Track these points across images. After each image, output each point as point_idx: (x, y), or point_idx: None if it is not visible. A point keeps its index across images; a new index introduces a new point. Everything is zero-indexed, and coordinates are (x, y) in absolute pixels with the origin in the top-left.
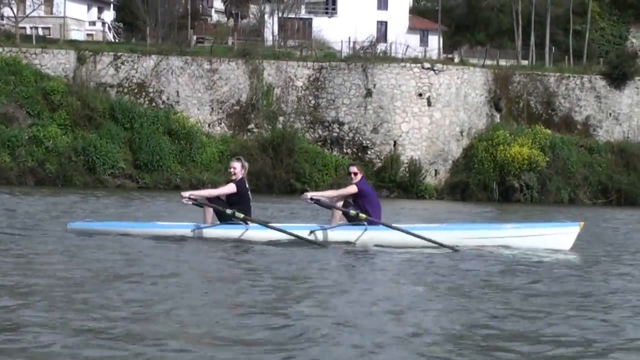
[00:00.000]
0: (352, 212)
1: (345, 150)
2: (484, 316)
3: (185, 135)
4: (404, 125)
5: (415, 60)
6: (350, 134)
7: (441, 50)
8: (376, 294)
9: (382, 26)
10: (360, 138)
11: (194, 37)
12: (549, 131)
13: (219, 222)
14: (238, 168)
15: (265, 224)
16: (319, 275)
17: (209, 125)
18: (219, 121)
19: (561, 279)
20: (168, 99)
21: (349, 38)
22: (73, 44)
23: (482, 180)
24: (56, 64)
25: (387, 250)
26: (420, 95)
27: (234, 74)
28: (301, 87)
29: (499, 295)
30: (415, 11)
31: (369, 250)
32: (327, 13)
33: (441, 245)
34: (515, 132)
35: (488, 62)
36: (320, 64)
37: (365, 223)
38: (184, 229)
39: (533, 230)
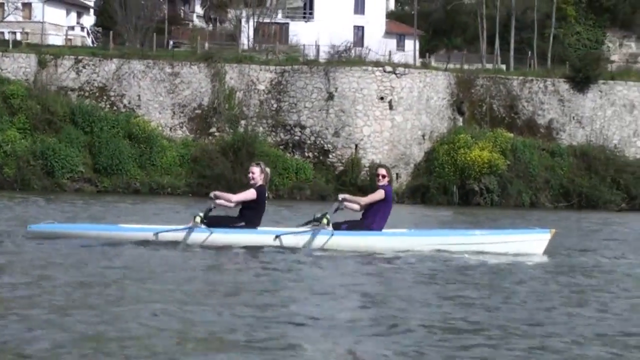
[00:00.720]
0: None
1: (306, 154)
2: (437, 325)
3: (146, 139)
4: (365, 129)
5: (377, 63)
6: (312, 138)
7: (417, 54)
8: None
9: (359, 31)
10: (322, 142)
11: (171, 42)
12: (510, 134)
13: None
14: (257, 173)
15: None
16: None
17: (170, 129)
18: (181, 125)
19: (528, 286)
20: (129, 103)
21: (315, 42)
22: (34, 47)
23: (443, 184)
24: (17, 67)
25: (354, 256)
26: (381, 98)
27: (196, 78)
28: (263, 90)
29: (458, 302)
30: (392, 16)
31: (332, 255)
32: (304, 17)
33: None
34: (476, 135)
35: (459, 66)
36: (283, 67)
37: (331, 229)
38: (145, 232)
39: (503, 237)
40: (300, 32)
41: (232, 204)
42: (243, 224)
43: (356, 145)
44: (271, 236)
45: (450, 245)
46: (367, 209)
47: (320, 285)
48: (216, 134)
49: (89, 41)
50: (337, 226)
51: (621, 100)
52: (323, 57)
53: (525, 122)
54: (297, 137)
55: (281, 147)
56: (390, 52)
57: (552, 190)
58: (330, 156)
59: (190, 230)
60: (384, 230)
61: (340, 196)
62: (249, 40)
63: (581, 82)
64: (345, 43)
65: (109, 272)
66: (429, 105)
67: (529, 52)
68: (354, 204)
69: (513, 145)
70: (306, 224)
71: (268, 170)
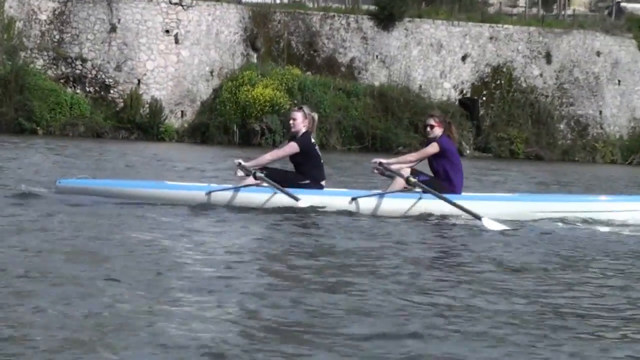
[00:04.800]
0: (411, 179)
1: (87, 89)
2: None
3: None
4: (149, 64)
5: None
6: (93, 72)
7: None
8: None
9: None
10: (103, 76)
11: None
12: (298, 72)
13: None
14: (299, 119)
15: (291, 195)
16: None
17: None
18: None
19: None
20: None
21: None
22: None
23: (224, 123)
24: None
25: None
26: (167, 32)
27: None
28: (45, 20)
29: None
30: None
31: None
32: None
33: (471, 214)
34: (266, 73)
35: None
36: None
37: (420, 191)
38: (197, 190)
39: (634, 204)
40: None
41: (267, 163)
42: (308, 181)
43: (139, 81)
44: (347, 198)
45: (568, 213)
46: (434, 168)
47: None
48: None
49: None
50: (415, 173)
51: (428, 40)
52: None
53: (325, 61)
54: (78, 71)
55: (62, 81)
56: None
57: (345, 132)
58: (112, 91)
59: (253, 189)
60: (485, 194)
61: (377, 160)
62: None
63: (385, 19)
64: None
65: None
66: (219, 40)
67: None
68: (399, 164)
69: (302, 83)
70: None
71: (315, 115)
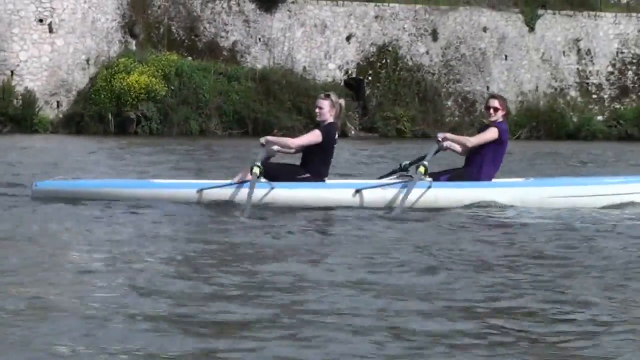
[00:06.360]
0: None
1: None
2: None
3: None
4: (22, 54)
5: None
6: None
7: None
8: None
9: None
10: None
11: None
12: (175, 57)
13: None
14: (326, 107)
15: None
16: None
17: None
18: None
19: None
20: None
21: None
22: None
23: (99, 112)
24: None
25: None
26: (41, 21)
27: None
28: None
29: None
30: None
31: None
32: None
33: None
34: (142, 59)
35: None
36: None
37: (430, 180)
38: (185, 188)
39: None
40: None
41: (291, 151)
42: (308, 175)
43: (12, 72)
44: (350, 190)
45: (583, 198)
46: (473, 152)
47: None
48: None
49: None
50: (434, 177)
51: (312, 21)
52: None
53: (207, 45)
54: None
55: None
56: None
57: (225, 117)
58: None
59: (248, 185)
60: (495, 181)
61: (440, 135)
62: None
63: (268, 1)
64: None
65: None
66: (95, 28)
67: None
68: (458, 144)
69: (179, 69)
70: (391, 174)
71: (342, 102)
